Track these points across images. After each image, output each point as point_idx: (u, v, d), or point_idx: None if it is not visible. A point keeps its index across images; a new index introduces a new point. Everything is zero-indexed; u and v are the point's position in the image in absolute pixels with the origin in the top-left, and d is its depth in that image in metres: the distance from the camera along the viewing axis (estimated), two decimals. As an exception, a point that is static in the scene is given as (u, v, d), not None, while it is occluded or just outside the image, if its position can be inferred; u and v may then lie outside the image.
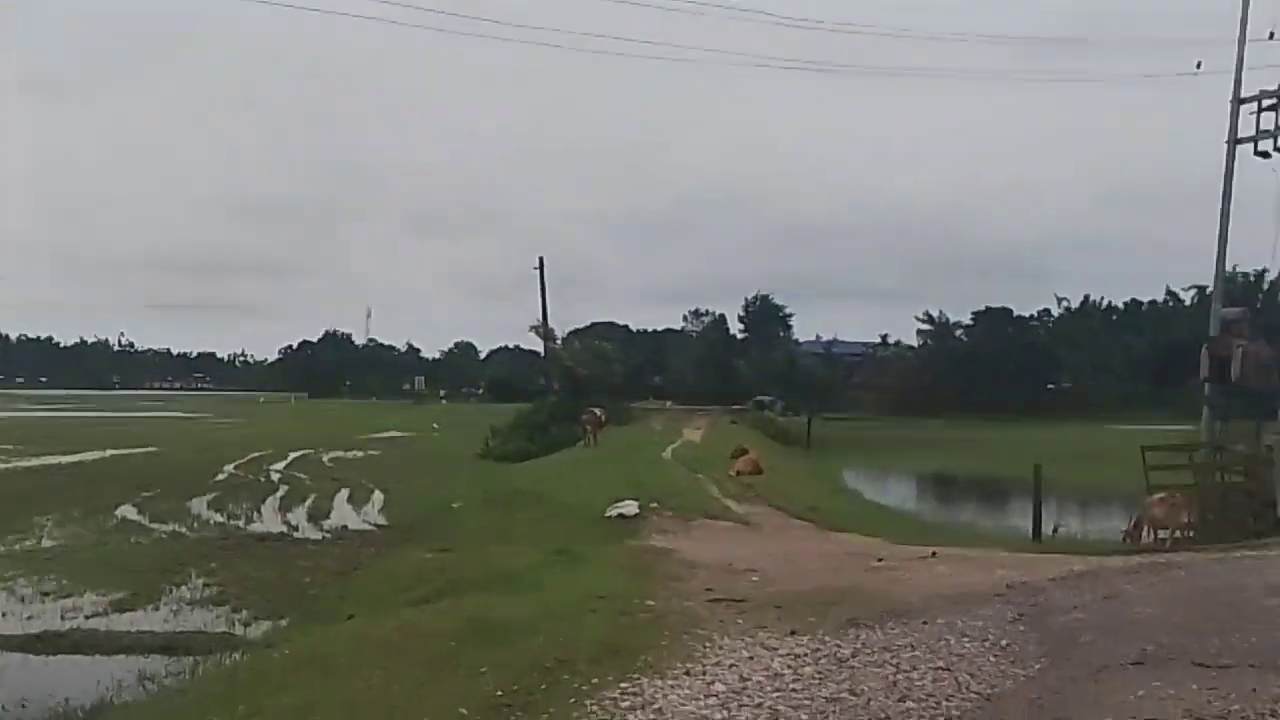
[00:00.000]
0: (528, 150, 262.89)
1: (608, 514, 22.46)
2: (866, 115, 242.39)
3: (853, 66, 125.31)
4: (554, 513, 23.91)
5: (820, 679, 7.62)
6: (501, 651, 8.61)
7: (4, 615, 15.46)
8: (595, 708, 7.00)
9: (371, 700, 7.32)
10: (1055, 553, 17.56)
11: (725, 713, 6.86)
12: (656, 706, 6.98)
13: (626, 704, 7.06)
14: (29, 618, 15.27)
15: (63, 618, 15.23)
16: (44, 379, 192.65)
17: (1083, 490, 36.15)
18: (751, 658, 8.32)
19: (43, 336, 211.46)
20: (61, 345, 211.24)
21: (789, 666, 7.97)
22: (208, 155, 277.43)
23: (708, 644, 8.93)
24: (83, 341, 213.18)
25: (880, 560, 16.28)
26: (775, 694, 7.24)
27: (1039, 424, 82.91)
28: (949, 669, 7.88)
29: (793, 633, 9.24)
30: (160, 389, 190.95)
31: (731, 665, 8.06)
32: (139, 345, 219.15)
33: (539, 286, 61.88)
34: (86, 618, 15.29)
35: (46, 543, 21.96)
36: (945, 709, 7.00)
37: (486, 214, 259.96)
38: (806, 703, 7.04)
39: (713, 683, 7.55)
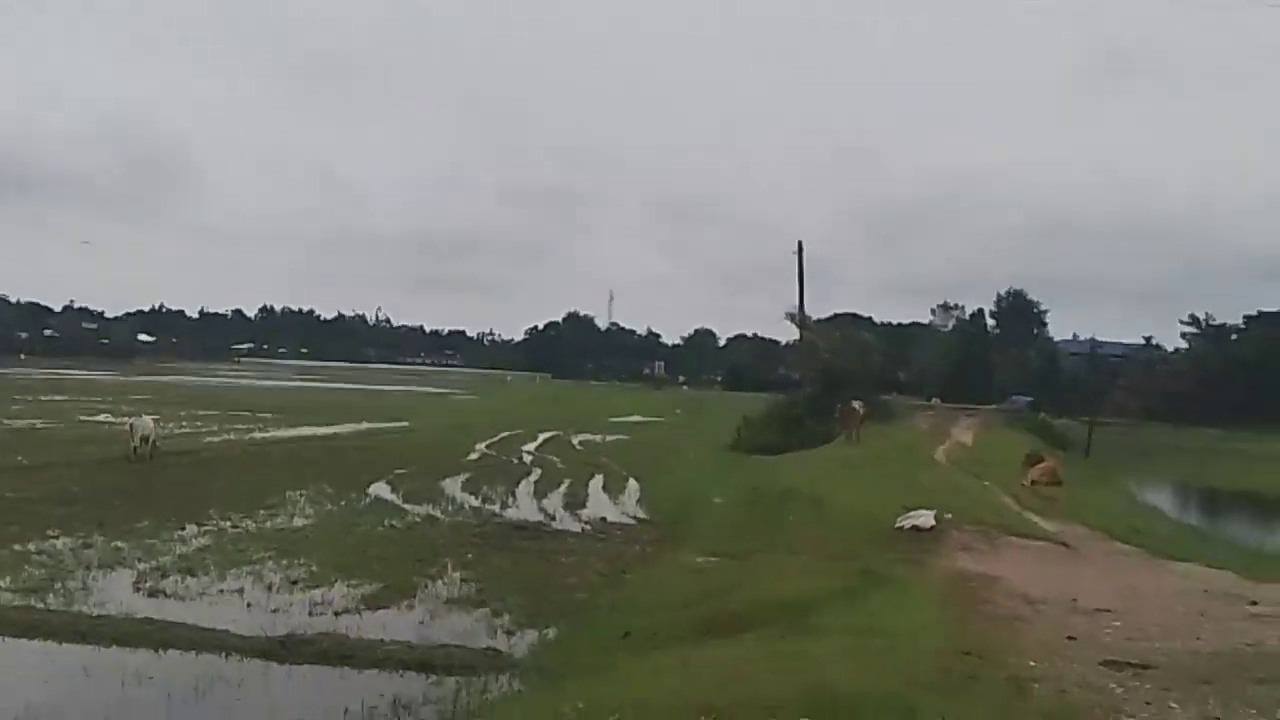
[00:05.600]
0: (770, 136, 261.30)
1: (899, 524, 19.82)
2: (1118, 106, 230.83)
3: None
4: (832, 518, 21.34)
5: None
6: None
7: (249, 606, 14.06)
8: None
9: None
10: None
11: None
12: None
13: None
14: (275, 610, 13.81)
15: (310, 613, 13.73)
16: (304, 350, 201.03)
17: None
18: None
19: (305, 309, 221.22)
20: (322, 318, 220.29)
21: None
22: (461, 139, 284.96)
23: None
24: (341, 316, 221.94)
25: (1254, 604, 13.30)
26: None
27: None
28: None
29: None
30: (413, 364, 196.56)
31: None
32: (395, 321, 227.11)
33: (798, 272, 59.21)
34: (336, 614, 13.75)
35: (298, 521, 20.84)
36: None
37: (725, 201, 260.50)
38: None
39: None
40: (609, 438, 48.39)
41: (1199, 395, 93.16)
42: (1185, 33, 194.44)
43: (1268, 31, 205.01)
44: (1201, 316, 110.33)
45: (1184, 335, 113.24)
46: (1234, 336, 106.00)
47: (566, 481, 29.45)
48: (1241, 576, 16.89)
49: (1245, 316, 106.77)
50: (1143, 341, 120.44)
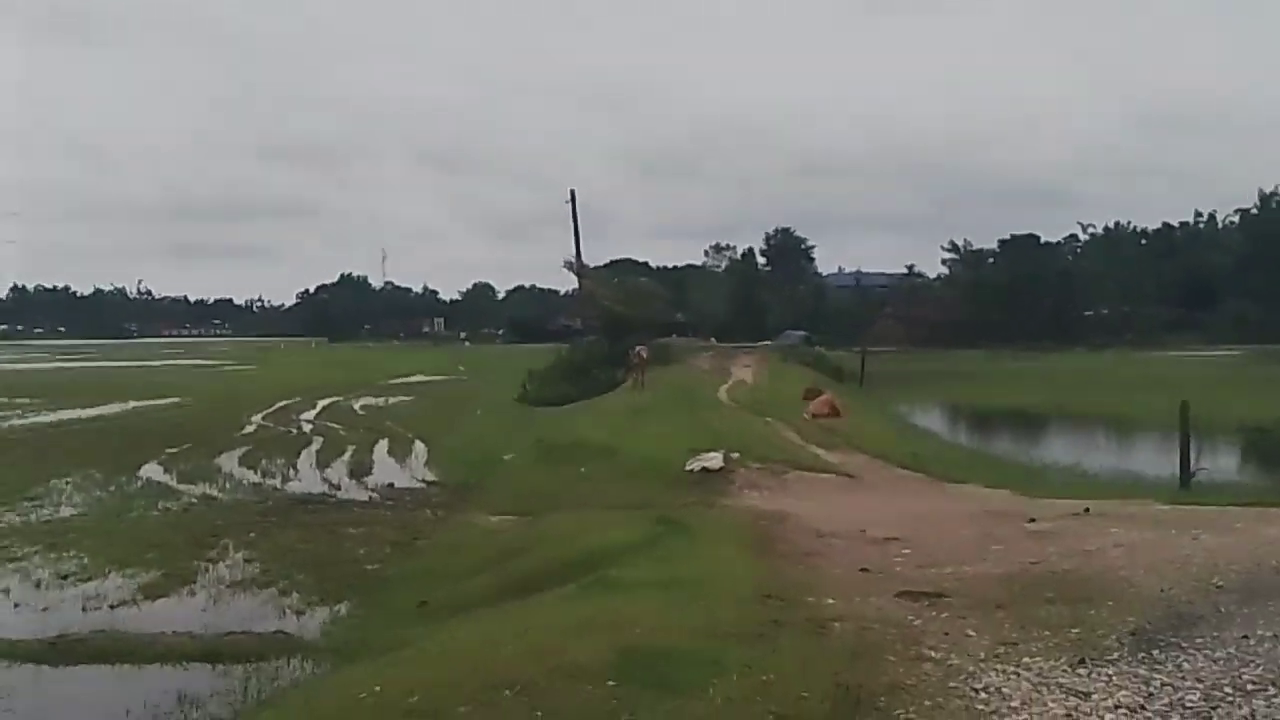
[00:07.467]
0: (535, 84, 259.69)
1: (689, 468, 20.04)
2: (884, 39, 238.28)
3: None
4: (625, 467, 21.43)
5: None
6: (690, 704, 6.17)
7: (17, 607, 13.16)
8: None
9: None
10: (1225, 503, 14.96)
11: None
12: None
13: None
14: (45, 609, 12.93)
15: (84, 609, 12.90)
16: (62, 329, 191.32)
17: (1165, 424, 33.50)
18: (1068, 716, 5.82)
19: (59, 286, 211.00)
20: (78, 294, 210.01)
21: (1137, 733, 5.49)
22: (220, 96, 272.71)
23: (971, 682, 6.46)
24: (99, 290, 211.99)
25: (1032, 521, 13.81)
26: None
27: (1078, 353, 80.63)
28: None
29: (1082, 661, 6.76)
30: (178, 336, 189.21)
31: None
32: (156, 293, 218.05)
33: (572, 221, 59.17)
34: (111, 608, 12.96)
35: (65, 511, 19.65)
36: None
37: (497, 151, 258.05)
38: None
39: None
40: (392, 400, 47.60)
41: (961, 319, 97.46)
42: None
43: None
44: (960, 243, 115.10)
45: (944, 262, 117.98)
46: (990, 260, 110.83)
47: (350, 449, 28.71)
48: (1017, 493, 17.70)
49: (1000, 241, 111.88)
50: (905, 270, 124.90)
